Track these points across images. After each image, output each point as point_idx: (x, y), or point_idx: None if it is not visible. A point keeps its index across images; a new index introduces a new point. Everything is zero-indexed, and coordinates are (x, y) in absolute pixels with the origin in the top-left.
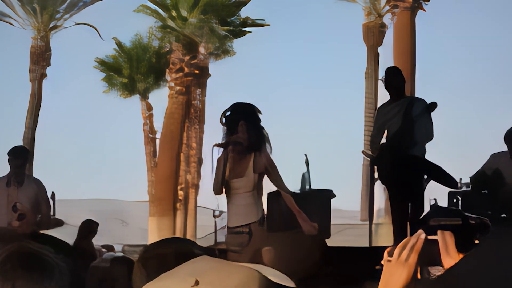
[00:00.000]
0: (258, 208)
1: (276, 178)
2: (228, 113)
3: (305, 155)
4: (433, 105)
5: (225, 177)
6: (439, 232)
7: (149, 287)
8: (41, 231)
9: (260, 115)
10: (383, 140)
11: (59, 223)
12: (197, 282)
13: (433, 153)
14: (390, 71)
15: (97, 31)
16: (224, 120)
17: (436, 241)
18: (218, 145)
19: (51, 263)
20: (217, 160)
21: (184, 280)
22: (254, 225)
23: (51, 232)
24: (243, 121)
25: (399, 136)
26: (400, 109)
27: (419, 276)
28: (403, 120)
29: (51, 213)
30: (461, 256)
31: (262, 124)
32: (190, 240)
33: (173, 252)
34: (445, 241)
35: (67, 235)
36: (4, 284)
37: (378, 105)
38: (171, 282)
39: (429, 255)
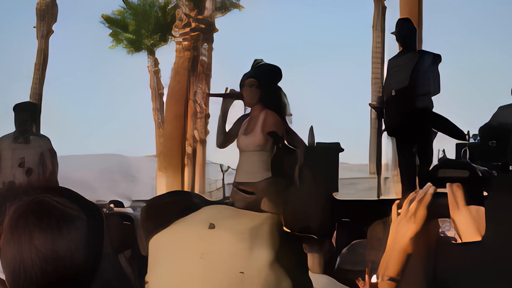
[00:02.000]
0: (264, 168)
1: (289, 138)
2: (249, 71)
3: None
4: (438, 58)
5: (236, 132)
6: (448, 184)
7: (161, 234)
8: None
9: (279, 79)
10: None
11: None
12: (212, 226)
13: (441, 105)
14: (401, 22)
15: None
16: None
17: (445, 193)
18: (210, 95)
19: (71, 214)
20: (222, 111)
21: (198, 225)
22: (259, 183)
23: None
24: (253, 79)
25: (406, 88)
26: (409, 61)
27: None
28: (411, 73)
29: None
30: (472, 209)
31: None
32: (197, 193)
33: (179, 202)
34: (454, 193)
35: (75, 188)
36: (22, 235)
37: (385, 58)
38: (186, 227)
39: (437, 207)
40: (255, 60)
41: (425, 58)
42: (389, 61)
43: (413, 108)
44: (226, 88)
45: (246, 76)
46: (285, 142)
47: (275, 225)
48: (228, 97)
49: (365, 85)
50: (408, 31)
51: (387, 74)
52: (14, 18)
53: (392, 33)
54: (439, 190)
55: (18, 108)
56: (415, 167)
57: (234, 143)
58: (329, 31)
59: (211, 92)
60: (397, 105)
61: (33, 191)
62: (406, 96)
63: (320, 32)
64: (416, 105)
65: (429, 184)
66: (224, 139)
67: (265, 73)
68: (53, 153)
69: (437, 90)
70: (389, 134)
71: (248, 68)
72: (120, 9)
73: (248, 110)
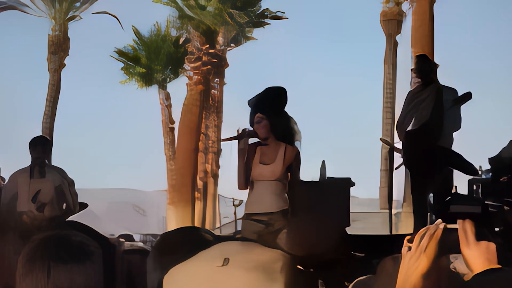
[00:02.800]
0: (281, 198)
1: (296, 171)
2: (255, 98)
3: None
4: (467, 96)
5: (251, 168)
6: (458, 221)
7: (176, 269)
8: (70, 219)
9: (285, 102)
10: (410, 127)
11: (84, 205)
12: (226, 261)
13: (454, 140)
14: (420, 58)
15: (117, 19)
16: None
17: (456, 229)
18: (224, 140)
19: (85, 250)
20: (240, 152)
21: (213, 261)
22: (275, 215)
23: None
24: (261, 115)
25: (428, 123)
26: (430, 95)
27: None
28: (433, 107)
29: (76, 200)
30: (482, 245)
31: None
32: (207, 229)
33: (189, 240)
34: (465, 229)
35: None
36: (39, 270)
37: (397, 93)
38: (200, 263)
39: (448, 243)
40: (253, 97)
41: (447, 93)
42: (409, 93)
43: (432, 144)
44: (238, 130)
45: (253, 111)
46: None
47: (288, 262)
48: (242, 138)
49: (377, 119)
50: (428, 66)
51: (405, 106)
52: (25, 51)
53: (412, 69)
54: (450, 226)
55: (33, 143)
56: (427, 202)
57: None
58: (341, 65)
59: (222, 137)
60: (418, 139)
61: (51, 227)
62: (427, 131)
63: (332, 65)
64: (436, 142)
65: (439, 220)
66: (246, 180)
67: (271, 103)
68: (71, 182)
69: (457, 127)
70: (406, 166)
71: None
72: (132, 44)
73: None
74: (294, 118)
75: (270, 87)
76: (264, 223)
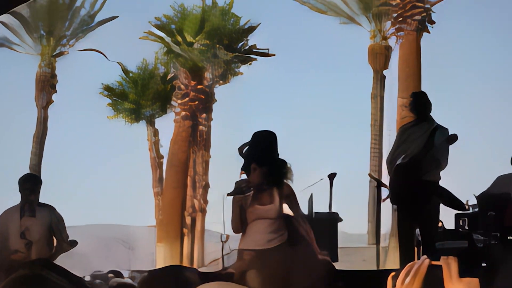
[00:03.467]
0: (276, 235)
1: (296, 209)
2: (245, 148)
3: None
4: (454, 138)
5: (245, 212)
6: (442, 257)
7: None
8: (55, 258)
9: (275, 143)
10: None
11: (74, 242)
12: None
13: (441, 175)
14: (418, 95)
15: (104, 55)
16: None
17: (440, 266)
18: (229, 194)
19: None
20: (234, 200)
21: None
22: (268, 251)
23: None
24: (255, 164)
25: (418, 160)
26: (423, 132)
27: None
28: (425, 145)
29: (66, 237)
30: (464, 281)
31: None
32: (193, 268)
33: (174, 279)
34: (449, 266)
35: (75, 259)
36: None
37: (384, 128)
38: None
39: (432, 280)
40: (243, 145)
41: (440, 132)
42: (401, 128)
43: (421, 180)
44: (241, 172)
45: (246, 161)
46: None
47: None
48: (247, 192)
49: (364, 154)
50: (424, 103)
51: (396, 141)
52: (13, 88)
53: (406, 106)
54: (434, 262)
55: (23, 180)
56: (414, 237)
57: None
58: (327, 100)
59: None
60: (406, 174)
61: (29, 266)
62: (416, 167)
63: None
64: (425, 178)
65: (424, 256)
66: (242, 226)
67: (263, 151)
68: (60, 220)
69: (445, 165)
70: (392, 202)
71: (246, 136)
72: (119, 80)
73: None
74: (286, 160)
75: (259, 133)
76: (257, 258)
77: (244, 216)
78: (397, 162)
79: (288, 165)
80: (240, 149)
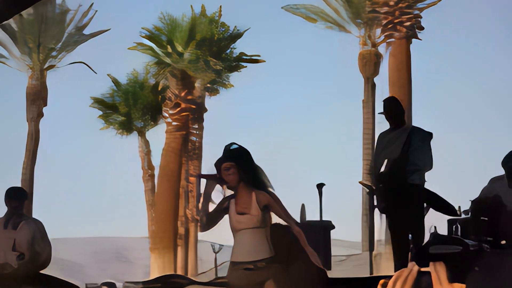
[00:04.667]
0: (264, 245)
1: (281, 213)
2: (221, 157)
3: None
4: (429, 135)
5: (219, 214)
6: (431, 263)
7: None
8: (42, 271)
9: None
10: (382, 168)
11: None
12: None
13: (432, 181)
14: (389, 101)
15: (91, 68)
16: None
17: (429, 272)
18: (202, 176)
19: None
20: (206, 195)
21: None
22: (260, 262)
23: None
24: (228, 162)
25: (398, 164)
26: (400, 137)
27: None
28: (402, 148)
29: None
30: (453, 286)
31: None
32: (187, 277)
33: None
34: (437, 272)
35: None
36: None
37: (376, 134)
38: None
39: (422, 286)
40: (226, 146)
41: (416, 133)
42: (380, 136)
43: (404, 185)
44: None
45: (220, 162)
46: (279, 218)
47: None
48: (212, 179)
49: (356, 162)
50: (395, 109)
51: (376, 149)
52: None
53: (380, 113)
54: (423, 269)
55: (10, 195)
56: (407, 243)
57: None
58: (319, 108)
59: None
60: (389, 181)
61: (20, 280)
62: (397, 172)
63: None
64: (407, 182)
65: (412, 263)
66: (208, 221)
67: (239, 153)
68: (43, 235)
69: (429, 167)
70: (380, 211)
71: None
72: (110, 91)
73: (229, 192)
74: (262, 168)
75: (239, 146)
76: (249, 270)
77: (215, 219)
78: (380, 170)
79: (265, 176)
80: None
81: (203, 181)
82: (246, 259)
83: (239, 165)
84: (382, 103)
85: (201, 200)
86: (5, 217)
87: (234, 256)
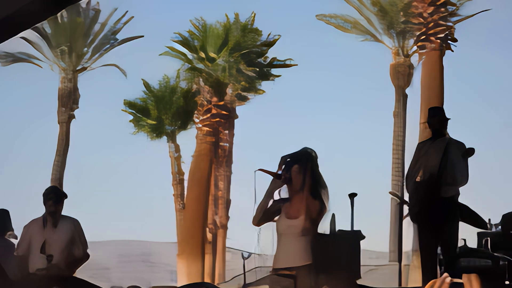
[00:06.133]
0: (306, 253)
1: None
2: (288, 159)
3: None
4: (471, 151)
5: (273, 214)
6: (464, 275)
7: None
8: (74, 271)
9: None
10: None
11: (87, 256)
12: None
13: (464, 193)
14: (433, 111)
15: (122, 70)
16: (283, 165)
17: (461, 283)
18: (262, 170)
19: None
20: (269, 193)
21: None
22: (301, 269)
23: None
24: (297, 165)
25: (435, 176)
26: (438, 149)
27: None
28: (440, 161)
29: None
30: None
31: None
32: (215, 286)
33: None
34: (471, 284)
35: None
36: None
37: (406, 146)
38: None
39: None
40: (303, 148)
41: (455, 147)
42: (418, 145)
43: (439, 197)
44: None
45: (294, 161)
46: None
47: None
48: (275, 177)
49: (386, 172)
50: (440, 119)
51: (414, 158)
52: (36, 103)
53: (423, 122)
54: (456, 280)
55: (48, 194)
56: (436, 255)
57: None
58: (350, 117)
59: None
60: (424, 191)
61: (46, 282)
62: (433, 184)
63: (341, 117)
64: (442, 194)
65: (445, 274)
66: (262, 217)
67: (314, 160)
68: (81, 234)
69: (465, 181)
70: (412, 220)
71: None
72: (142, 95)
73: (285, 194)
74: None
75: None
76: (291, 277)
77: (273, 212)
78: (416, 179)
79: (327, 191)
80: (284, 156)
81: (258, 176)
82: (287, 265)
83: (313, 170)
84: (428, 111)
85: (256, 194)
86: (42, 217)
87: (275, 263)
